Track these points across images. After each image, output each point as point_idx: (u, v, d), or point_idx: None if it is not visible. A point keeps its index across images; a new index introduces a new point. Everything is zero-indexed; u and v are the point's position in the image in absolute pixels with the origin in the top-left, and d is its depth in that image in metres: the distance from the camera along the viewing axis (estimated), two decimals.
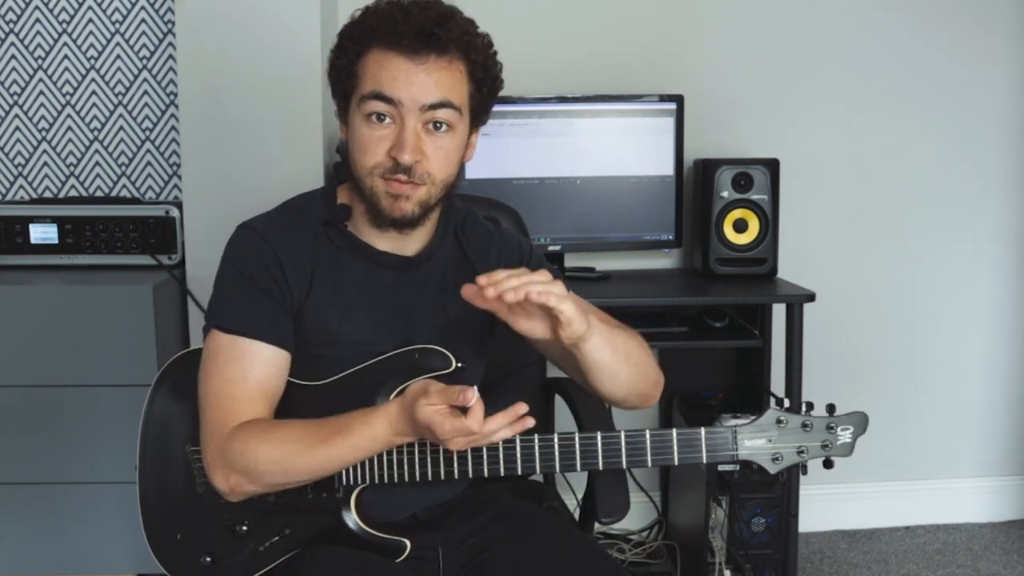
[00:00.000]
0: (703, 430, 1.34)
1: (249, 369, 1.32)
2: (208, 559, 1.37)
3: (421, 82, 1.29)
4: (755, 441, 1.35)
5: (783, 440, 1.36)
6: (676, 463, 1.35)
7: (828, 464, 1.39)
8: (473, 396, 1.18)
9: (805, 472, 1.41)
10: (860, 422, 1.38)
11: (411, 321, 1.40)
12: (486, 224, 1.54)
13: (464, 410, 1.20)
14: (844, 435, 1.37)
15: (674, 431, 1.34)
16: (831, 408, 1.39)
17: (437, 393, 1.21)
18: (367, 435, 1.27)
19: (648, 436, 1.33)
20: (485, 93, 1.37)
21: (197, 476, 1.39)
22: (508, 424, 1.21)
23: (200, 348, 1.38)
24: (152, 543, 1.41)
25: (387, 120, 1.30)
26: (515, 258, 1.50)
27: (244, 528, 1.35)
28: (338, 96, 1.38)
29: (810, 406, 1.38)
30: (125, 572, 2.11)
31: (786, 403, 1.37)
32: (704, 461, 1.35)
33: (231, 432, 1.29)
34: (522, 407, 1.21)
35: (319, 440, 1.28)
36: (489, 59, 1.36)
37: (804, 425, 1.36)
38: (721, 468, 2.24)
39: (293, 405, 1.36)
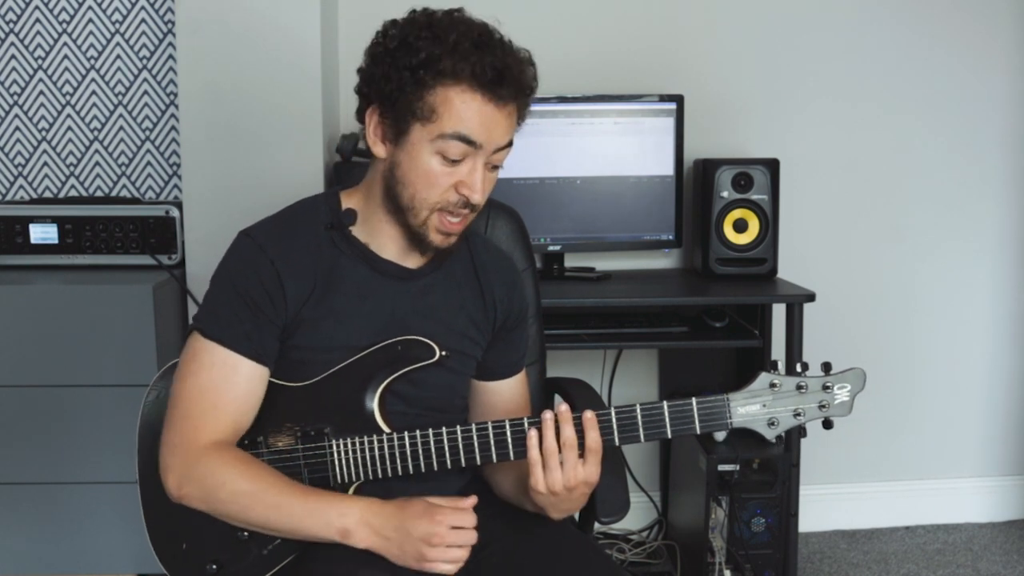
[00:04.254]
0: (694, 400, 1.31)
1: (225, 382, 1.32)
2: (214, 566, 1.37)
3: (501, 127, 1.31)
4: (749, 407, 1.30)
5: (778, 404, 1.29)
6: (670, 436, 1.32)
7: (828, 424, 1.33)
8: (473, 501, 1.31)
9: (804, 435, 1.36)
10: (858, 379, 1.30)
11: (408, 331, 1.40)
12: (506, 257, 1.56)
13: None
14: (841, 394, 1.29)
15: (665, 403, 1.31)
16: (827, 366, 1.32)
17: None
18: (335, 511, 1.29)
19: (639, 410, 1.31)
20: (518, 126, 1.39)
21: None
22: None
23: None
24: (159, 554, 1.42)
25: (460, 160, 1.31)
26: (516, 309, 1.52)
27: (245, 534, 1.36)
28: (387, 106, 1.32)
29: (805, 366, 1.32)
30: (125, 572, 2.11)
31: (780, 365, 1.31)
32: (698, 431, 1.31)
33: (205, 448, 1.31)
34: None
35: (288, 492, 1.30)
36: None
37: (799, 387, 1.29)
38: (721, 468, 2.23)
39: (278, 407, 1.37)
